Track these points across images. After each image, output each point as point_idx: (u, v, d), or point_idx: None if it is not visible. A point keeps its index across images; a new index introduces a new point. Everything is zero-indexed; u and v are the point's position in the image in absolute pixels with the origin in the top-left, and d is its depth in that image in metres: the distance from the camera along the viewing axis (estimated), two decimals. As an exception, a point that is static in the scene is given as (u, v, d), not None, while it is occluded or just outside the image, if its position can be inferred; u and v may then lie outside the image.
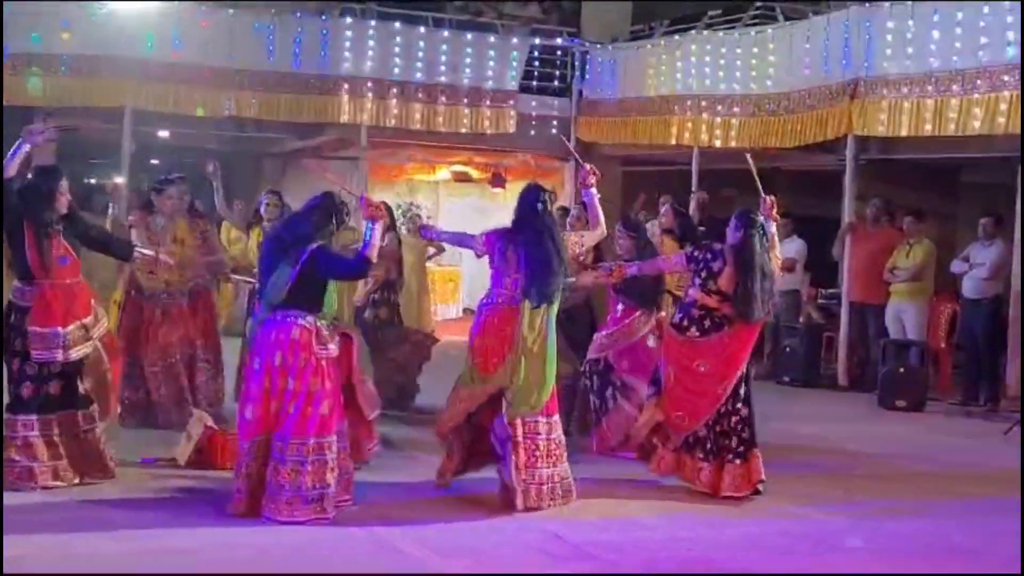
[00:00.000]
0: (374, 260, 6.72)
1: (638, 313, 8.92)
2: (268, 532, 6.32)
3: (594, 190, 7.71)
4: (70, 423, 7.17)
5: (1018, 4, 11.67)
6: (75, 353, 7.15)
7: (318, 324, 6.65)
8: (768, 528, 7.06)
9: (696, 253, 7.97)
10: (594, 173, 7.74)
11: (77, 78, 15.34)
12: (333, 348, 6.70)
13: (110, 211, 12.11)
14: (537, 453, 7.06)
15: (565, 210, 16.31)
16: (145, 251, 8.23)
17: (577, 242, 7.71)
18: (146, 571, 5.63)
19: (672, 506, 7.46)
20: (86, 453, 7.22)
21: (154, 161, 19.37)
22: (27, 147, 7.21)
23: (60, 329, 7.09)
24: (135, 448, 8.10)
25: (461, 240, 7.72)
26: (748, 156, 8.57)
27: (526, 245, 7.15)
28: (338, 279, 7.10)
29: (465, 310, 19.59)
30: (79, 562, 5.67)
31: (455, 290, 19.59)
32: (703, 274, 7.83)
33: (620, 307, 9.00)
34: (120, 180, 14.79)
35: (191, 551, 5.99)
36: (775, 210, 8.22)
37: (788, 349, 13.92)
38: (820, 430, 10.76)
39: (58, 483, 7.07)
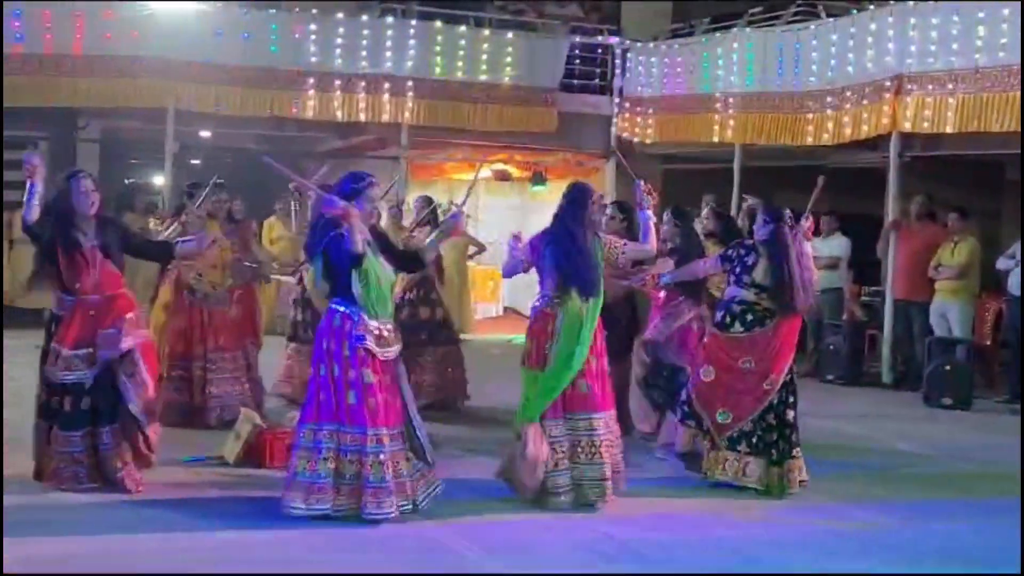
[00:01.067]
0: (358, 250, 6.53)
1: (681, 298, 8.91)
2: (316, 530, 6.33)
3: (651, 212, 7.66)
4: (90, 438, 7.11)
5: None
6: (69, 376, 7.04)
7: (378, 324, 6.64)
8: (816, 528, 7.04)
9: (730, 252, 8.07)
10: (650, 193, 7.71)
11: (120, 79, 15.41)
12: (392, 352, 6.70)
13: (158, 211, 12.18)
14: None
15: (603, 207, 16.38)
16: (187, 240, 8.13)
17: (618, 247, 7.62)
18: (193, 570, 5.65)
19: (721, 505, 7.45)
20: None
21: (195, 161, 19.50)
22: (38, 185, 7.01)
23: (65, 351, 7.04)
24: (184, 447, 8.16)
25: (514, 267, 7.56)
26: (821, 178, 8.43)
27: (552, 243, 7.18)
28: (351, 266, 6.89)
29: (506, 309, 19.60)
30: (117, 560, 5.72)
31: (496, 289, 19.57)
32: (738, 270, 7.88)
33: (663, 293, 8.99)
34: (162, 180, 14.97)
35: (236, 549, 6.03)
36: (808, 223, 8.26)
37: (831, 347, 13.84)
38: (865, 429, 10.73)
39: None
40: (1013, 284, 12.44)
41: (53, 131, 16.79)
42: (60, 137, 16.73)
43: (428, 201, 11.60)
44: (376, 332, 6.60)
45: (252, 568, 5.71)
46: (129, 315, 7.18)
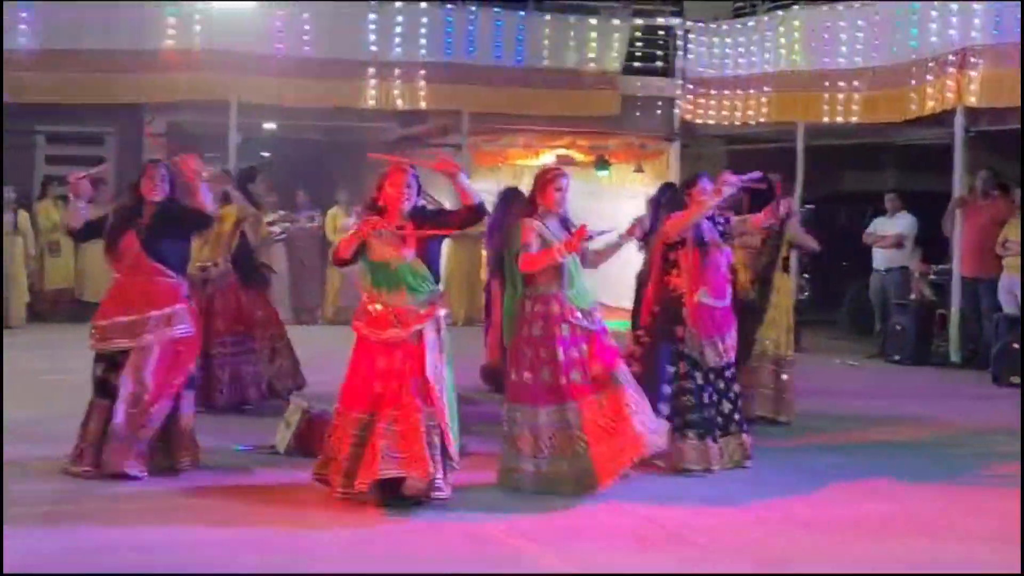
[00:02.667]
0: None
1: None
2: (361, 522, 6.33)
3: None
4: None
5: None
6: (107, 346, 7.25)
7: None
8: (870, 510, 6.90)
9: None
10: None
11: (182, 73, 15.58)
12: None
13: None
14: None
15: (670, 185, 16.23)
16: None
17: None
18: (236, 561, 5.70)
19: (769, 487, 7.33)
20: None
21: (265, 153, 19.65)
22: (83, 202, 7.42)
23: (99, 321, 7.28)
24: (237, 435, 8.23)
25: None
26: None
27: None
28: None
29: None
30: (155, 554, 5.74)
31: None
32: None
33: None
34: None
35: (280, 540, 6.03)
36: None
37: (898, 327, 13.65)
38: (930, 409, 10.54)
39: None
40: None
41: (120, 126, 17.03)
42: (127, 132, 16.96)
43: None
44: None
45: (285, 561, 5.74)
46: (168, 309, 7.27)
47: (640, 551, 5.95)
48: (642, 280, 9.03)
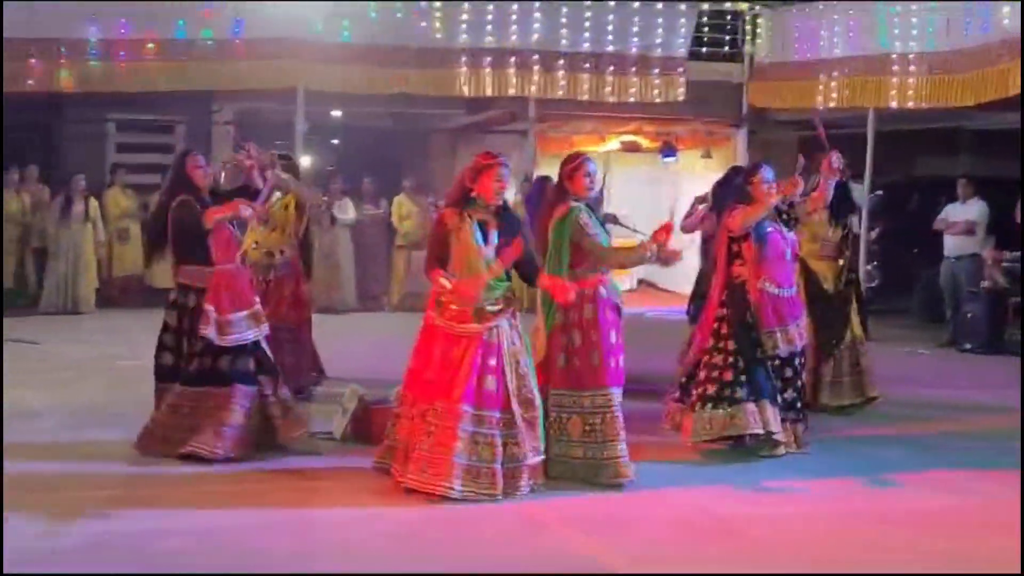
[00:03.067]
0: None
1: None
2: (414, 508, 6.31)
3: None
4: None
5: None
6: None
7: None
8: (936, 503, 6.77)
9: None
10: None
11: (250, 61, 15.66)
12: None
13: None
14: None
15: (737, 169, 16.02)
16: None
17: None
18: (284, 548, 5.70)
19: (831, 477, 7.23)
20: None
21: (335, 141, 19.75)
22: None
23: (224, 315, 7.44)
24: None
25: None
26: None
27: None
28: None
29: (640, 282, 19.40)
30: (202, 539, 5.77)
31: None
32: None
33: None
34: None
35: (333, 525, 6.05)
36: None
37: (969, 315, 13.39)
38: (1001, 398, 10.30)
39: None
40: None
41: (189, 115, 17.19)
42: (196, 120, 17.11)
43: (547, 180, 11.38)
44: None
45: (335, 545, 5.73)
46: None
47: (689, 542, 5.89)
48: (706, 271, 8.98)
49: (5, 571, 5.10)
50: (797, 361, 7.85)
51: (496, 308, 6.61)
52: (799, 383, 7.89)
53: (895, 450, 8.11)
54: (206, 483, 6.79)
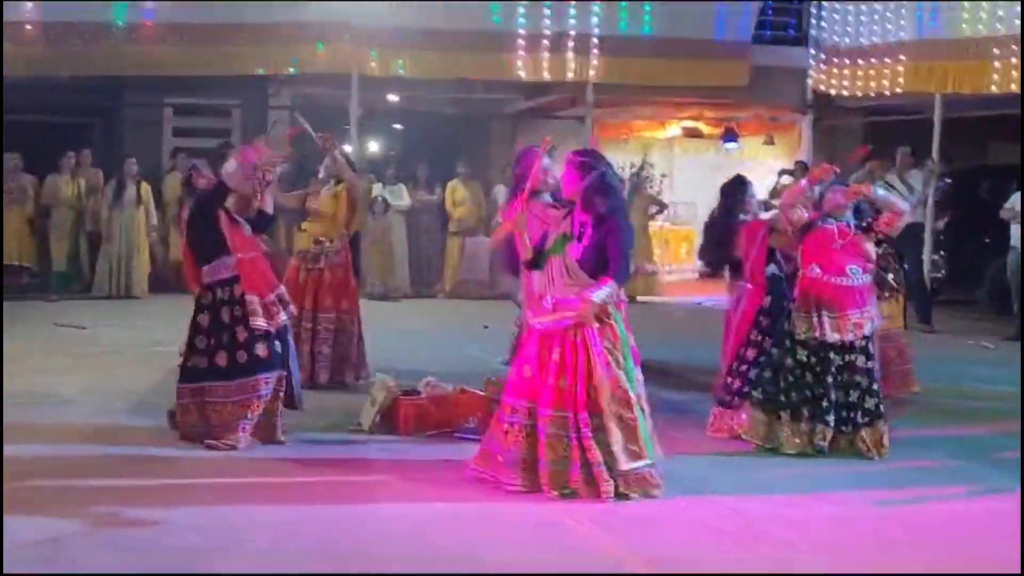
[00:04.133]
0: None
1: None
2: (433, 505, 6.13)
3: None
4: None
5: None
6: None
7: None
8: (976, 507, 6.46)
9: None
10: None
11: (305, 45, 15.56)
12: None
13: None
14: None
15: (803, 165, 15.74)
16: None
17: None
18: (298, 540, 5.55)
19: (874, 480, 6.91)
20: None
21: (397, 126, 19.62)
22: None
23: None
24: (324, 412, 8.13)
25: None
26: None
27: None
28: None
29: (701, 272, 19.05)
30: (231, 533, 5.62)
31: (690, 251, 19.07)
32: None
33: None
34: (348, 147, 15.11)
35: (347, 520, 5.87)
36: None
37: (1039, 308, 12.95)
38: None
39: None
40: None
41: (246, 98, 17.14)
42: (252, 105, 17.06)
43: None
44: None
45: (343, 542, 5.57)
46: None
47: (716, 544, 5.62)
48: None
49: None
50: (848, 358, 7.48)
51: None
52: (855, 385, 7.49)
53: (941, 451, 7.77)
54: (221, 470, 6.70)
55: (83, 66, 15.14)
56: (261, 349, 7.22)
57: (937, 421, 8.71)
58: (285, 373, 7.36)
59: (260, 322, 7.20)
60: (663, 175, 19.24)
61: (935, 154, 14.96)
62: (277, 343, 7.33)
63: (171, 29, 15.41)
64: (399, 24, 15.78)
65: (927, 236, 15.08)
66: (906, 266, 12.57)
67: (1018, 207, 13.48)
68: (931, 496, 6.66)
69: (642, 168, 17.75)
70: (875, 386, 7.49)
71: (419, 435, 7.61)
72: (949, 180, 16.27)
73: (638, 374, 6.46)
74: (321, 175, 9.67)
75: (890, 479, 6.97)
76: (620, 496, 6.19)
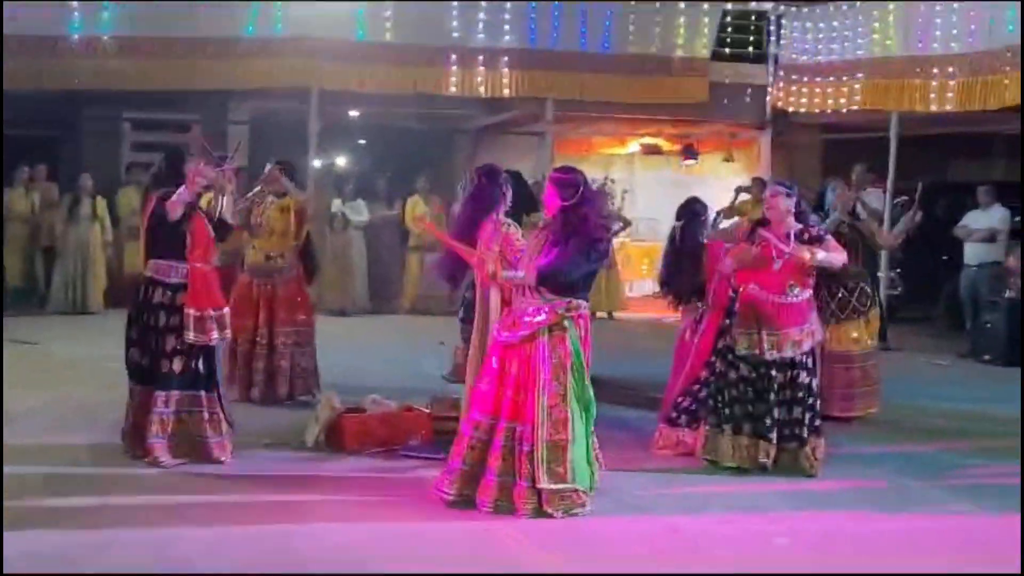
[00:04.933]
0: None
1: None
2: (372, 521, 6.12)
3: None
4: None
5: None
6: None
7: None
8: (917, 524, 6.47)
9: None
10: None
11: (263, 60, 15.51)
12: None
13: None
14: None
15: (759, 181, 15.76)
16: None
17: None
18: (233, 560, 5.51)
19: (814, 498, 6.93)
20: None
21: (361, 141, 19.58)
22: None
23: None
24: (263, 428, 8.10)
25: None
26: None
27: None
28: None
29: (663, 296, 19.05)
30: (167, 553, 5.58)
31: (652, 266, 19.09)
32: None
33: None
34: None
35: (283, 539, 5.83)
36: None
37: (989, 325, 13.02)
38: (1012, 413, 9.92)
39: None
40: None
41: (205, 113, 17.07)
42: (211, 120, 16.99)
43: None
44: None
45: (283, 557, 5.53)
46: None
47: (650, 561, 5.62)
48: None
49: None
50: (789, 375, 7.46)
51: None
52: (793, 401, 7.45)
53: (887, 467, 7.78)
54: (165, 489, 6.63)
55: (41, 80, 15.03)
56: (177, 364, 7.16)
57: (885, 439, 8.71)
58: (206, 394, 7.25)
59: (191, 336, 7.15)
60: (625, 191, 19.26)
61: (891, 172, 15.04)
62: (201, 362, 7.24)
63: (129, 43, 15.31)
64: (357, 38, 15.73)
65: (883, 254, 15.11)
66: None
67: (972, 225, 13.58)
68: (873, 514, 6.65)
69: (604, 185, 17.74)
70: (816, 402, 7.51)
71: (364, 452, 7.58)
72: (905, 198, 16.33)
73: (590, 392, 6.43)
74: (256, 189, 9.64)
75: (832, 497, 6.97)
76: (541, 514, 6.16)
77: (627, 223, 16.58)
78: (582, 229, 6.32)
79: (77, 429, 8.10)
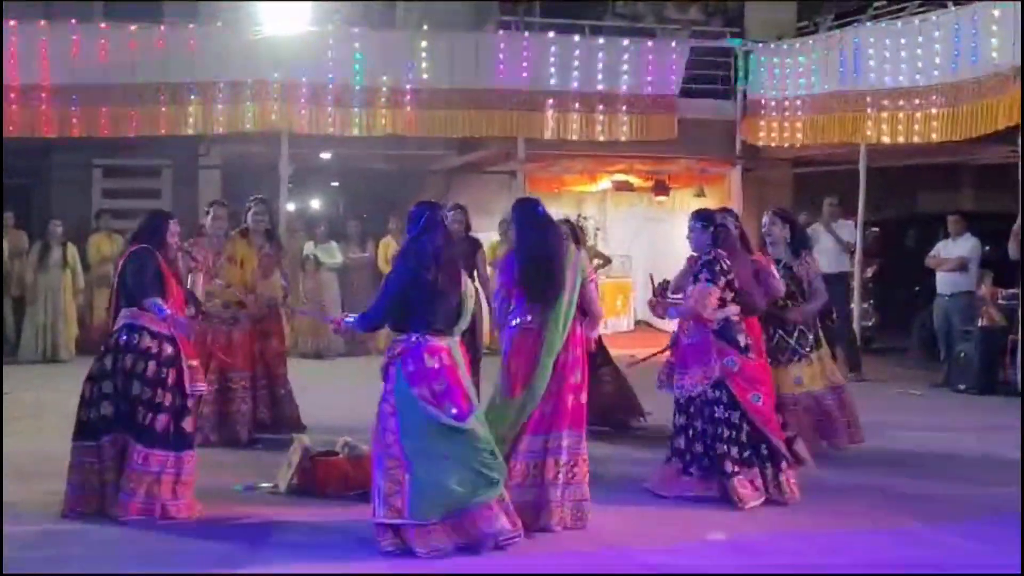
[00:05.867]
0: None
1: None
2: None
3: None
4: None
5: None
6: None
7: None
8: (883, 557, 6.46)
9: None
10: None
11: (232, 105, 15.49)
12: None
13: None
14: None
15: (728, 211, 15.77)
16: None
17: None
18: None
19: (768, 530, 6.94)
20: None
21: (334, 183, 19.54)
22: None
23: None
24: (235, 473, 8.03)
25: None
26: None
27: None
28: None
29: (638, 323, 19.10)
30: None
31: (626, 302, 19.13)
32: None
33: None
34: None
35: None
36: None
37: (963, 355, 13.05)
38: (985, 443, 9.94)
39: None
40: None
41: (175, 158, 17.05)
42: (183, 165, 16.97)
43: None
44: None
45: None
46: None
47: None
48: None
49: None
50: (718, 412, 7.58)
51: None
52: (714, 437, 7.59)
53: (856, 500, 7.77)
54: (135, 541, 6.54)
55: (10, 127, 14.95)
56: (162, 419, 7.00)
57: (859, 469, 8.71)
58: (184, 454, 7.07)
59: (202, 387, 7.25)
60: (597, 228, 19.34)
61: (861, 204, 15.13)
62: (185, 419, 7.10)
63: (99, 90, 15.24)
64: (327, 81, 15.74)
65: (856, 285, 15.20)
66: (832, 320, 12.71)
67: (942, 255, 13.64)
68: (845, 544, 6.65)
69: (577, 223, 17.77)
70: (746, 434, 7.60)
71: (338, 496, 7.52)
72: (876, 229, 16.46)
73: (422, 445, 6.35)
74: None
75: (789, 530, 6.97)
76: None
77: (608, 260, 16.59)
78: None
79: (40, 478, 7.87)
